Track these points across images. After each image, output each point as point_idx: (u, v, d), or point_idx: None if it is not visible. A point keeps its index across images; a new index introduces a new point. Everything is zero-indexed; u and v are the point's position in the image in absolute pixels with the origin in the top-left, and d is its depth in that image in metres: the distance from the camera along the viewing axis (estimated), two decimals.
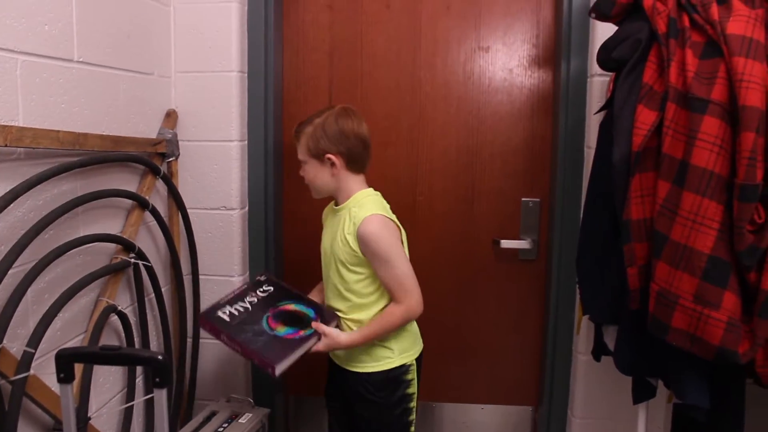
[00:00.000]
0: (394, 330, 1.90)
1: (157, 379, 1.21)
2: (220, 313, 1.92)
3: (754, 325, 1.36)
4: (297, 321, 1.94)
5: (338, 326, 1.95)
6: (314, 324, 1.90)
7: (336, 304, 1.98)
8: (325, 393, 2.16)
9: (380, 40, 2.47)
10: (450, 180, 2.48)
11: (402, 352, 1.94)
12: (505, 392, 2.60)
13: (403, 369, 1.93)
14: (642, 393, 1.72)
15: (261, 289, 2.06)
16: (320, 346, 1.87)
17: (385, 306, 1.91)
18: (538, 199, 2.45)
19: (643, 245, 1.49)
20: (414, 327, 2.03)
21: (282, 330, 1.90)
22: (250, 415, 2.15)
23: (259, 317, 1.93)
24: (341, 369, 1.98)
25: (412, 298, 1.87)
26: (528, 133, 2.45)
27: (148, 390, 2.14)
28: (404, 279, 1.86)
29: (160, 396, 1.23)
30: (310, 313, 1.98)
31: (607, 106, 1.72)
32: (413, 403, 1.97)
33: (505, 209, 2.43)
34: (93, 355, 1.40)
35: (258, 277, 2.12)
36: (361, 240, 1.84)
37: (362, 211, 1.88)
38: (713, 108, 1.36)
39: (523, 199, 2.45)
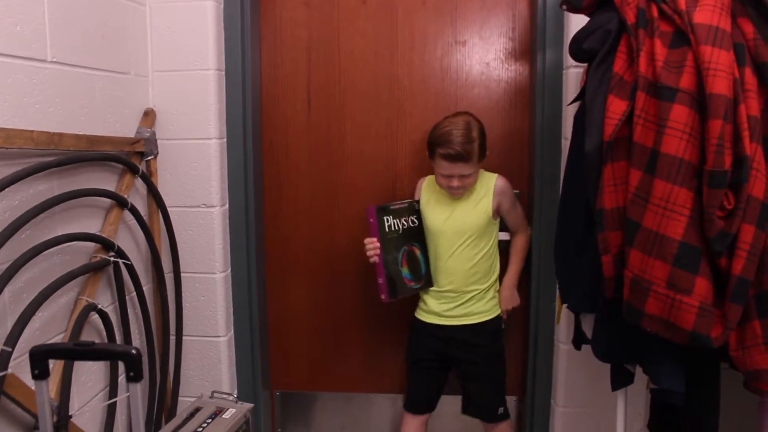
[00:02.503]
0: None
1: (131, 374, 1.22)
2: (384, 218, 2.24)
3: (726, 310, 1.38)
4: (416, 269, 2.33)
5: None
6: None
7: (471, 283, 2.30)
8: (416, 356, 2.42)
9: (357, 36, 2.48)
10: (429, 174, 2.49)
11: (496, 304, 2.35)
12: None
13: (500, 317, 2.36)
14: (620, 380, 1.74)
15: (413, 218, 2.35)
16: (508, 302, 2.37)
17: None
18: (518, 191, 2.46)
19: (617, 233, 1.51)
20: None
21: (406, 271, 2.30)
22: (234, 410, 2.15)
23: (401, 245, 2.29)
24: (444, 326, 2.33)
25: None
26: (506, 126, 2.47)
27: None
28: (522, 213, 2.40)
29: (135, 390, 1.23)
30: (423, 268, 2.35)
31: (580, 97, 1.73)
32: None
33: None
34: (67, 351, 1.41)
35: (414, 203, 2.37)
36: (501, 193, 2.28)
37: (487, 176, 2.30)
38: (682, 96, 1.38)
39: None
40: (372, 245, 2.22)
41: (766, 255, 1.37)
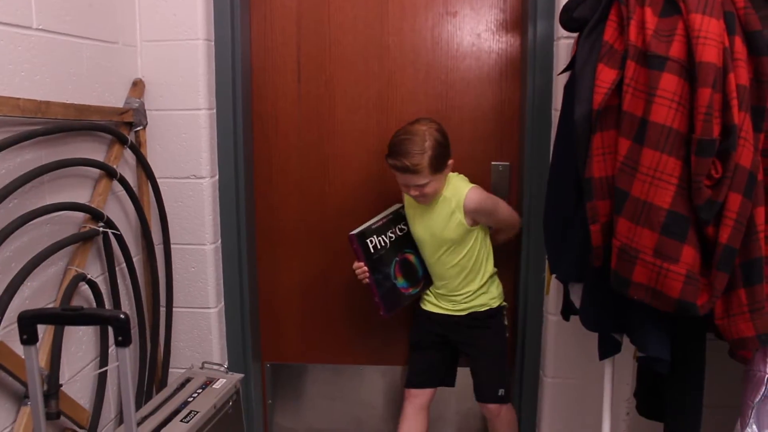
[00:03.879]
0: None
1: (120, 338, 1.22)
2: (368, 241, 2.25)
3: (712, 278, 1.39)
4: (411, 274, 2.37)
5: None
6: None
7: (465, 284, 2.32)
8: (416, 338, 2.47)
9: (348, 6, 2.46)
10: None
11: (497, 296, 2.38)
12: None
13: (501, 306, 2.39)
14: (607, 349, 1.76)
15: (400, 226, 2.36)
16: None
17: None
18: (507, 163, 2.47)
19: (606, 202, 1.51)
20: None
21: (401, 281, 2.33)
22: (224, 380, 2.17)
23: (390, 259, 2.31)
24: (446, 315, 2.37)
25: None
26: (497, 97, 2.46)
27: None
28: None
29: (123, 355, 1.24)
30: (420, 271, 2.38)
31: (571, 66, 1.73)
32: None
33: (475, 173, 2.43)
34: (55, 316, 1.41)
35: (399, 209, 2.38)
36: (473, 211, 2.21)
37: (459, 187, 2.23)
38: (671, 65, 1.37)
39: (492, 163, 2.47)
40: (360, 270, 2.24)
41: (752, 223, 1.38)
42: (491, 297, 2.35)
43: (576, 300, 1.78)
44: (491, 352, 2.36)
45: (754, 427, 1.47)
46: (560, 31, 2.11)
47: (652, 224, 1.39)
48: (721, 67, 1.34)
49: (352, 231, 2.22)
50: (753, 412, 1.47)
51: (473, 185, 2.24)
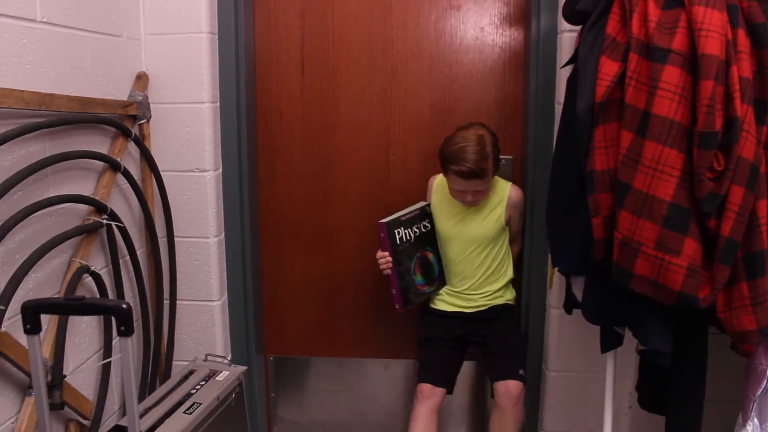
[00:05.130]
0: None
1: (122, 328, 1.23)
2: (396, 231, 2.25)
3: (714, 271, 1.40)
4: (429, 273, 2.37)
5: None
6: None
7: (486, 284, 2.36)
8: (428, 335, 2.42)
9: (352, 0, 2.46)
10: (423, 139, 2.50)
11: (512, 298, 2.45)
12: None
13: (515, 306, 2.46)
14: (609, 342, 1.76)
15: (425, 223, 2.38)
16: None
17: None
18: (510, 157, 2.47)
19: (608, 195, 1.51)
20: None
21: (419, 278, 2.34)
22: (227, 373, 2.17)
23: (413, 253, 2.32)
24: (461, 312, 2.39)
25: None
26: (500, 91, 2.46)
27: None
28: None
29: (125, 345, 1.24)
30: (436, 271, 2.40)
31: (574, 60, 1.72)
32: None
33: None
34: (58, 306, 1.42)
35: (425, 207, 2.39)
36: (514, 206, 2.32)
37: (501, 184, 2.33)
38: (674, 57, 1.37)
39: None
40: (384, 260, 2.25)
41: (754, 216, 1.38)
42: (508, 299, 2.41)
43: (578, 293, 1.79)
44: (511, 338, 2.36)
45: (756, 420, 1.47)
46: (563, 24, 2.11)
47: (654, 217, 1.39)
48: (723, 60, 1.34)
49: (382, 219, 2.23)
50: (754, 406, 1.47)
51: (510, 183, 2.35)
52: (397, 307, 2.29)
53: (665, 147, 1.37)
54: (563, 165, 1.77)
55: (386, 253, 2.23)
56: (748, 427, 1.49)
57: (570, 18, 1.71)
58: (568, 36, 2.14)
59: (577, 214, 1.64)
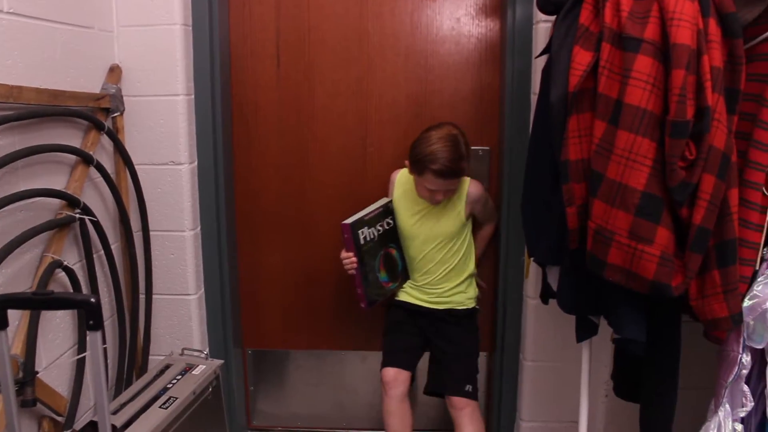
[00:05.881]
0: None
1: (91, 322, 1.22)
2: (360, 232, 2.26)
3: (686, 259, 1.40)
4: (392, 269, 2.40)
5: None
6: None
7: (447, 280, 2.36)
8: (392, 320, 2.46)
9: None
10: (400, 130, 2.49)
11: (474, 296, 2.43)
12: None
13: (476, 308, 2.44)
14: (584, 331, 1.76)
15: (387, 220, 2.38)
16: None
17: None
18: (487, 148, 2.47)
19: (582, 185, 1.51)
20: None
21: (383, 275, 2.37)
22: (204, 366, 2.16)
23: (376, 252, 2.33)
24: (423, 307, 2.39)
25: None
26: (476, 81, 2.46)
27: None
28: None
29: (95, 339, 1.23)
30: (399, 266, 2.43)
31: (548, 50, 1.72)
32: None
33: None
34: (25, 300, 1.40)
35: (388, 204, 2.38)
36: (475, 201, 2.33)
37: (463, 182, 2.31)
38: (646, 47, 1.37)
39: (472, 147, 2.46)
40: (348, 260, 2.26)
41: (725, 205, 1.39)
42: (468, 297, 2.39)
43: (553, 283, 1.79)
44: (463, 349, 2.36)
45: (728, 406, 1.48)
46: (539, 14, 2.12)
47: (627, 206, 1.39)
48: (695, 49, 1.34)
49: (345, 220, 2.22)
50: (726, 392, 1.48)
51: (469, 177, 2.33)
52: (363, 305, 2.33)
53: (637, 136, 1.37)
54: (538, 155, 1.77)
55: (351, 254, 2.25)
56: (720, 413, 1.50)
57: (544, 8, 1.71)
58: (543, 26, 2.15)
59: (552, 204, 1.64)
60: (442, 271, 2.34)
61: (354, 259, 2.24)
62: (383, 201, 2.38)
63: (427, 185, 2.18)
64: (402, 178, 2.37)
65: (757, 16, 1.42)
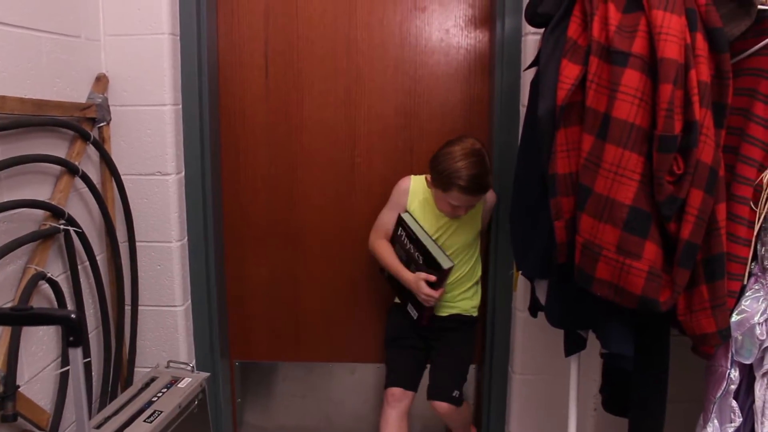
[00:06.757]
0: None
1: (71, 338, 1.20)
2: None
3: (674, 274, 1.39)
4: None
5: None
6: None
7: (457, 286, 2.35)
8: (393, 334, 2.45)
9: (316, 1, 2.43)
10: (388, 141, 2.49)
11: (478, 305, 2.43)
12: None
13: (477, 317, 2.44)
14: (573, 345, 1.76)
15: (403, 233, 2.32)
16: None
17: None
18: None
19: (570, 199, 1.51)
20: None
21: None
22: (190, 379, 2.14)
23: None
24: (440, 317, 2.36)
25: None
26: (465, 93, 2.46)
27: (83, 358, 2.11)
28: None
29: (75, 356, 1.21)
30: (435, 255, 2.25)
31: (537, 62, 1.72)
32: None
33: None
34: (4, 316, 1.38)
35: (400, 217, 2.32)
36: (491, 209, 2.35)
37: None
38: (634, 61, 1.37)
39: None
40: (433, 298, 2.21)
41: (713, 219, 1.38)
42: (473, 305, 2.39)
43: (541, 296, 1.78)
44: (457, 354, 2.36)
45: (716, 422, 1.48)
46: (528, 27, 2.12)
47: (615, 220, 1.38)
48: (682, 64, 1.34)
49: (444, 262, 2.17)
50: (714, 407, 1.47)
51: None
52: (425, 323, 2.31)
53: (625, 150, 1.37)
54: (527, 168, 1.76)
55: (438, 293, 2.21)
56: (708, 428, 1.49)
57: (532, 20, 1.71)
58: (532, 38, 2.14)
59: (540, 218, 1.64)
60: (455, 279, 2.32)
61: (438, 296, 2.22)
62: (410, 221, 2.30)
63: (452, 201, 2.14)
64: (417, 188, 2.32)
65: (744, 31, 1.42)
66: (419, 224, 2.27)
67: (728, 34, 1.39)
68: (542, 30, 1.72)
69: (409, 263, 2.28)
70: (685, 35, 1.36)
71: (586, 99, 1.44)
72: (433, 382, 2.33)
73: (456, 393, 2.27)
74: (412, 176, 2.34)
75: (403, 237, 2.29)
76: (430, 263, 2.19)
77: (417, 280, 2.20)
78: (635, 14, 1.41)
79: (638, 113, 1.36)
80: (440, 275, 2.17)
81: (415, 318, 2.33)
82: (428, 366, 2.43)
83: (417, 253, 2.23)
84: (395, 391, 2.31)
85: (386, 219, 2.36)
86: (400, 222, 2.29)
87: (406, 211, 2.31)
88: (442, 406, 2.25)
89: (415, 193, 2.32)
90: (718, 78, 1.39)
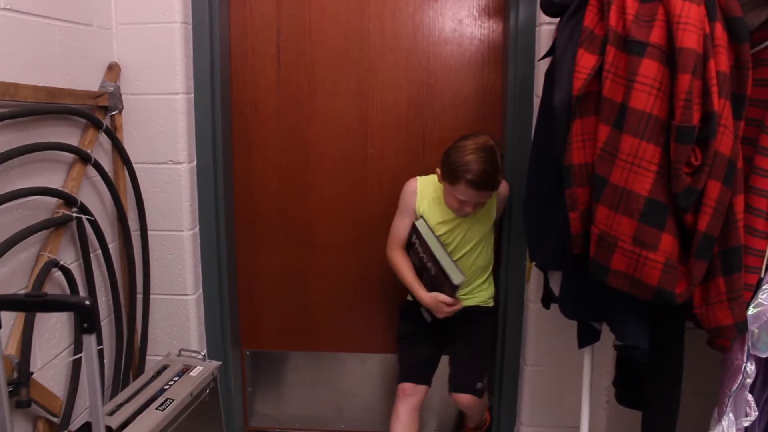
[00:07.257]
0: None
1: (85, 325, 1.20)
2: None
3: (690, 266, 1.38)
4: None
5: None
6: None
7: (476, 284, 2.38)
8: (406, 332, 2.44)
9: None
10: (401, 132, 2.48)
11: (493, 295, 2.45)
12: None
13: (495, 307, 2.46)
14: (587, 337, 1.75)
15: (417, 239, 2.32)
16: None
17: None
18: None
19: (585, 190, 1.49)
20: None
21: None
22: (201, 368, 2.14)
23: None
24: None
25: None
26: (478, 83, 2.44)
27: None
28: None
29: (89, 342, 1.21)
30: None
31: (552, 52, 1.71)
32: None
33: None
34: (18, 302, 1.38)
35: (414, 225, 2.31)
36: (504, 200, 2.33)
37: None
38: (652, 51, 1.36)
39: None
40: (451, 309, 2.22)
41: (731, 212, 1.37)
42: (489, 296, 2.40)
43: (555, 288, 1.77)
44: (478, 346, 2.35)
45: (731, 415, 1.47)
46: (542, 16, 2.10)
47: (631, 211, 1.37)
48: (701, 53, 1.32)
49: (458, 280, 2.16)
50: (730, 401, 1.46)
51: None
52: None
53: (642, 141, 1.35)
54: (541, 159, 1.75)
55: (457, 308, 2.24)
56: (723, 422, 1.48)
57: (547, 10, 1.69)
58: (546, 28, 2.13)
59: (555, 209, 1.63)
60: (472, 273, 2.33)
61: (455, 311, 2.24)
62: (422, 227, 2.29)
63: (459, 195, 2.13)
64: (425, 188, 2.31)
65: (764, 21, 1.40)
66: (433, 233, 2.26)
67: (748, 23, 1.37)
68: (557, 19, 1.70)
69: (422, 272, 2.29)
70: (704, 25, 1.34)
71: (602, 89, 1.42)
72: (455, 374, 2.32)
73: (479, 385, 2.26)
74: (419, 177, 2.33)
75: (417, 245, 2.29)
76: (441, 275, 2.19)
77: (437, 303, 2.22)
78: (653, 3, 1.39)
79: (656, 103, 1.35)
80: (453, 290, 2.17)
81: (429, 321, 2.33)
82: (444, 359, 2.43)
83: (429, 263, 2.23)
84: (406, 386, 2.31)
85: (399, 226, 2.34)
86: (414, 230, 2.29)
87: (421, 217, 2.29)
88: (466, 398, 2.25)
89: (423, 193, 2.30)
90: (738, 68, 1.37)
